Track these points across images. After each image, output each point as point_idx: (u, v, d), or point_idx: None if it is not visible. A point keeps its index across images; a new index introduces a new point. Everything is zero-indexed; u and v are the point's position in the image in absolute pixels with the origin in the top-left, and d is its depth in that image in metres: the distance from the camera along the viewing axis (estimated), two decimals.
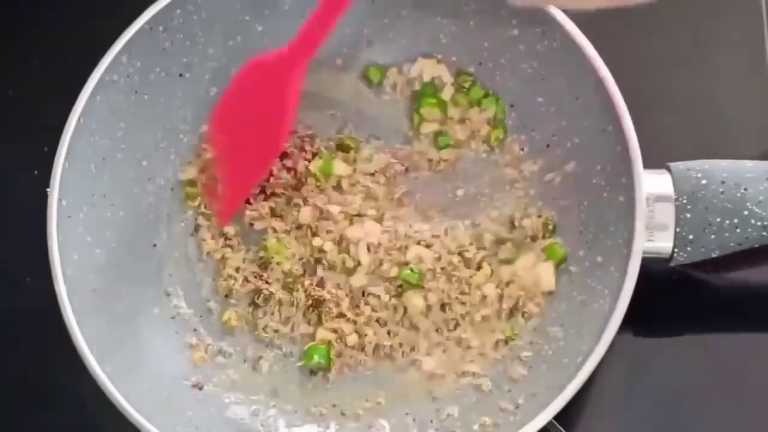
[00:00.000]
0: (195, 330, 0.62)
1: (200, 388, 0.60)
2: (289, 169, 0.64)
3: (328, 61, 0.65)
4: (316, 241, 0.62)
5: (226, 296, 0.63)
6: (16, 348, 0.65)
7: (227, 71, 0.65)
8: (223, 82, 0.65)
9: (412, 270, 0.61)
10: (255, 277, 0.62)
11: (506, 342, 0.60)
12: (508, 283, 0.60)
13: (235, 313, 0.62)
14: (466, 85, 0.65)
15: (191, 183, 0.65)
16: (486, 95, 0.64)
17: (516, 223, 0.62)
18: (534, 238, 0.61)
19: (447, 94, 0.65)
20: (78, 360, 0.55)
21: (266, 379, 0.61)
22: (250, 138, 0.59)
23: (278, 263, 0.62)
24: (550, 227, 0.61)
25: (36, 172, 0.66)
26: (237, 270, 0.63)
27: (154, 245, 0.63)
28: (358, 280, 0.61)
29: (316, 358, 0.60)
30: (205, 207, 0.64)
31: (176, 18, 0.61)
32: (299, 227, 0.63)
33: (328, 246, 0.62)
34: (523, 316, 0.60)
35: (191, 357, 0.61)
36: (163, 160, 0.64)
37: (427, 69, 0.65)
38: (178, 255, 0.64)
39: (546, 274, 0.60)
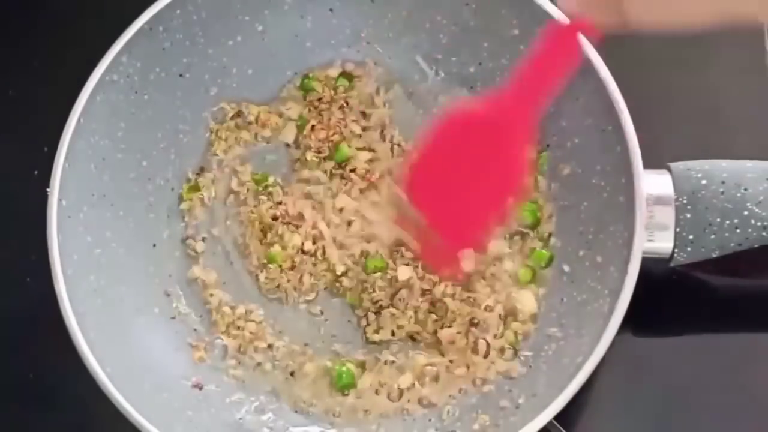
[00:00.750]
0: (195, 330, 0.62)
1: (200, 388, 0.60)
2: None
3: (327, 61, 0.66)
4: (296, 239, 0.62)
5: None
6: (16, 348, 0.65)
7: (227, 71, 0.65)
8: (223, 82, 0.65)
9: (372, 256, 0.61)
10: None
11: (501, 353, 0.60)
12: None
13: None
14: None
15: (192, 187, 0.65)
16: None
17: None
18: (525, 233, 0.61)
19: None
20: (78, 360, 0.54)
21: (266, 379, 0.61)
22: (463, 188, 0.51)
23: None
24: (545, 234, 0.61)
25: (36, 172, 0.65)
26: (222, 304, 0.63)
27: (154, 245, 0.63)
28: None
29: (344, 378, 0.60)
30: (206, 201, 0.64)
31: (176, 18, 0.61)
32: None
33: (308, 245, 0.62)
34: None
35: (191, 357, 0.61)
36: (163, 160, 0.64)
37: None
38: (178, 255, 0.64)
39: (527, 301, 0.60)
